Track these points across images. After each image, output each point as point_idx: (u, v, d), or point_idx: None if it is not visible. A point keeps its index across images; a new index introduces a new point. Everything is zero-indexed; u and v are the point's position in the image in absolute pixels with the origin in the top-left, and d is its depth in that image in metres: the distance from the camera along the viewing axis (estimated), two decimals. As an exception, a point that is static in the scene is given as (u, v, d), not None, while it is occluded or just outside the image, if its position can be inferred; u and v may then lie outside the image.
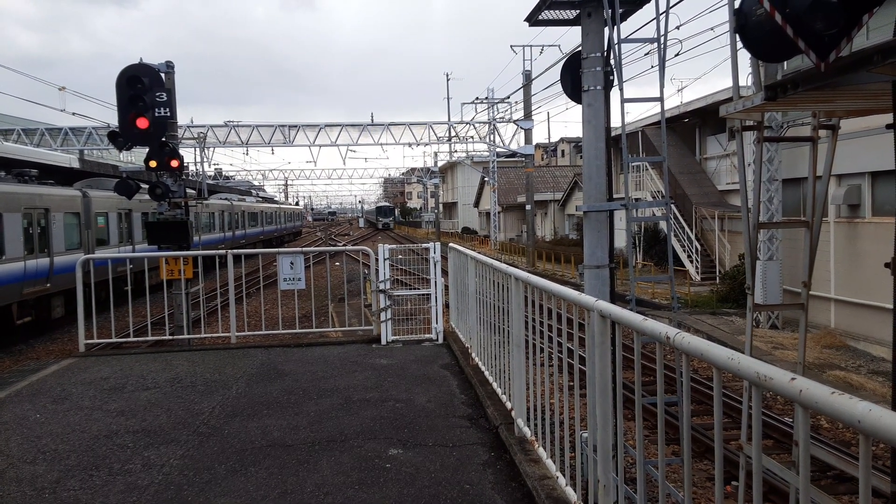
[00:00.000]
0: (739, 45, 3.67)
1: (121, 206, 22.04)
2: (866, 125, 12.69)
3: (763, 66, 3.90)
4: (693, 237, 24.92)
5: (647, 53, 23.99)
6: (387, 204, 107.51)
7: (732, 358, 2.15)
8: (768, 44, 3.29)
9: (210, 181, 46.68)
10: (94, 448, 4.83)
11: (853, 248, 15.70)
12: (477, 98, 39.00)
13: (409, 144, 35.56)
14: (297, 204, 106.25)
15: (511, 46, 35.04)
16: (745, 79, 12.74)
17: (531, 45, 35.41)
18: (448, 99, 48.29)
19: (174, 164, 10.43)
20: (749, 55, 3.74)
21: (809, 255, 4.35)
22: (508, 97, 38.12)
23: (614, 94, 6.64)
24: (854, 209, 15.64)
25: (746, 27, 3.38)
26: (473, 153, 49.82)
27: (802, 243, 4.38)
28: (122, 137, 10.23)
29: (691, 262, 24.89)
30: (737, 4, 3.49)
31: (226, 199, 38.94)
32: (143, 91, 9.82)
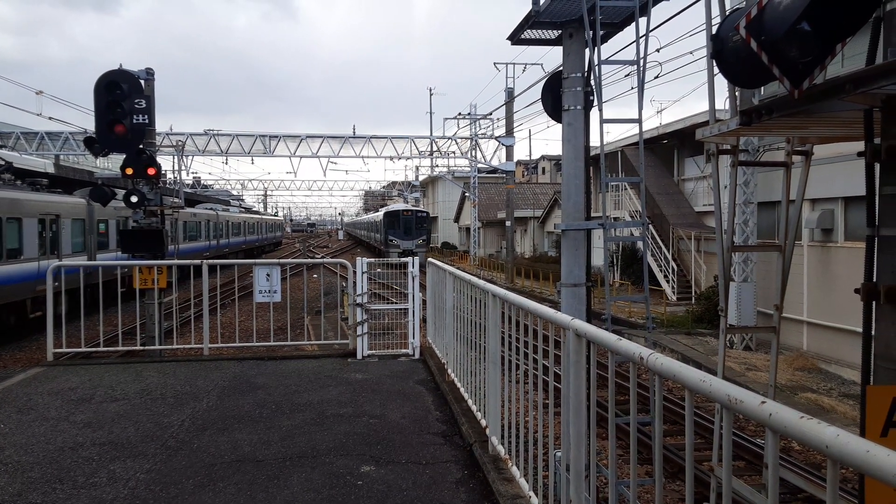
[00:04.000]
0: (716, 70, 3.73)
1: (119, 214, 23.18)
2: (840, 151, 12.96)
3: (739, 92, 3.97)
4: (670, 257, 25.17)
5: (628, 75, 24.32)
6: (404, 207, 48.55)
7: (704, 380, 2.16)
8: (743, 70, 3.34)
9: (188, 190, 46.45)
10: (58, 460, 4.72)
11: (826, 271, 15.95)
12: (459, 114, 39.23)
13: (391, 158, 35.59)
14: (275, 215, 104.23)
15: (494, 64, 35.37)
16: (724, 103, 12.96)
17: (514, 63, 35.76)
18: (430, 114, 48.60)
19: (151, 171, 10.30)
20: (725, 80, 3.82)
21: (781, 278, 4.41)
22: (491, 114, 38.39)
23: (594, 114, 6.71)
24: (827, 233, 15.91)
25: (723, 53, 3.44)
26: (455, 168, 49.93)
27: (776, 266, 4.44)
28: (98, 143, 10.11)
29: (668, 282, 25.11)
30: (714, 31, 3.56)
31: (211, 209, 40.98)
32: (122, 97, 9.72)
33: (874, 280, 3.10)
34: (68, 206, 20.40)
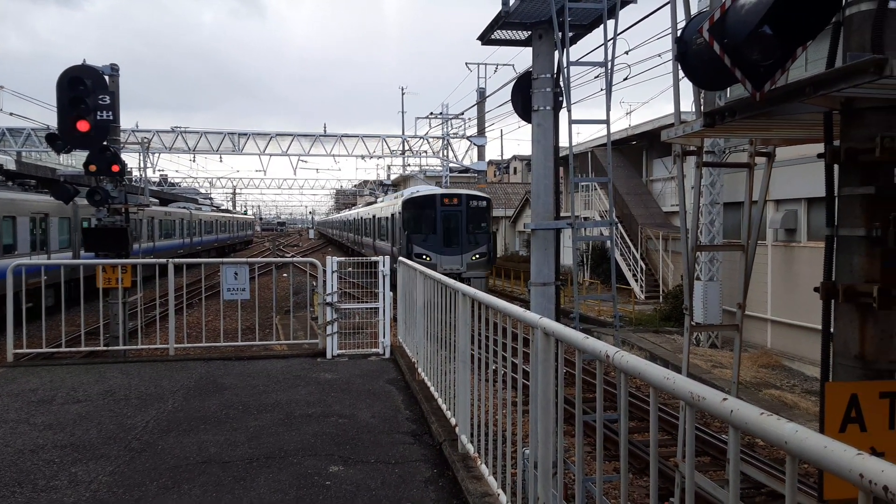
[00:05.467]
0: (681, 72, 3.79)
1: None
2: (803, 153, 13.23)
3: (703, 94, 4.03)
4: (638, 257, 25.48)
5: (597, 76, 24.55)
6: (444, 191, 25.16)
7: (668, 378, 2.19)
8: (707, 72, 3.39)
9: (154, 188, 45.90)
10: (17, 463, 4.60)
11: (789, 271, 16.30)
12: (431, 113, 39.21)
13: (363, 157, 35.43)
14: (245, 213, 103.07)
15: (466, 64, 35.44)
16: (690, 105, 13.15)
17: (486, 64, 35.92)
18: (402, 113, 48.24)
19: (115, 168, 10.10)
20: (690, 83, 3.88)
21: (744, 277, 4.49)
22: (462, 113, 38.50)
23: (563, 115, 6.75)
24: (791, 233, 16.26)
25: (687, 55, 3.49)
26: (427, 168, 49.86)
27: (740, 265, 4.53)
28: (61, 140, 9.88)
29: (636, 280, 25.43)
30: (679, 33, 3.61)
31: (185, 208, 42.75)
32: (86, 93, 9.50)
33: (833, 279, 3.18)
34: (56, 205, 21.43)
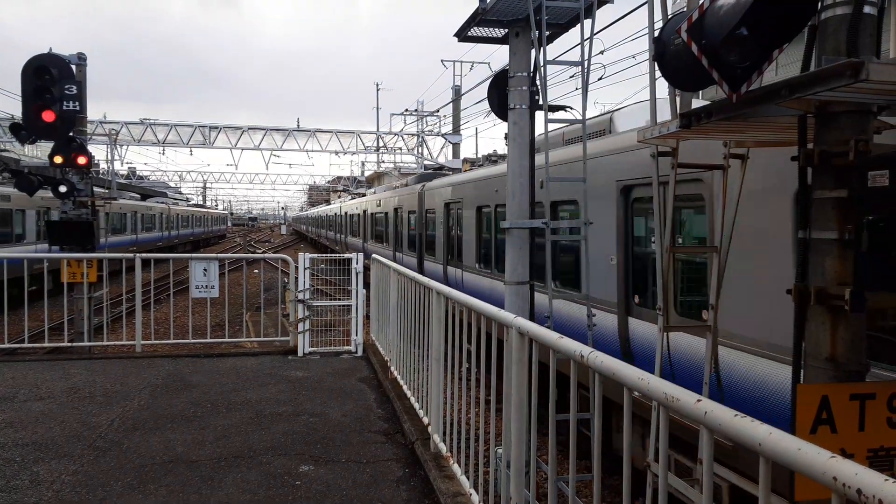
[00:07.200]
0: (658, 73, 3.79)
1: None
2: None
3: (679, 95, 4.05)
4: (611, 256, 25.69)
5: (573, 76, 24.63)
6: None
7: (642, 378, 2.18)
8: (684, 73, 3.40)
9: (122, 181, 45.26)
10: (-26, 463, 4.46)
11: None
12: (406, 110, 39.03)
13: (337, 152, 35.19)
14: (216, 207, 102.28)
15: (442, 61, 35.30)
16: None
17: (461, 61, 35.83)
18: (377, 109, 47.88)
19: (81, 160, 9.84)
20: (667, 83, 3.88)
21: (717, 279, 4.52)
22: (438, 111, 38.29)
23: (539, 114, 6.72)
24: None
25: (664, 56, 3.49)
26: (401, 164, 49.67)
27: (713, 266, 4.57)
28: (25, 130, 9.61)
29: (608, 280, 25.63)
30: (657, 33, 3.61)
31: (163, 202, 45.39)
32: (51, 82, 9.26)
33: (806, 282, 3.21)
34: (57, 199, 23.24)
